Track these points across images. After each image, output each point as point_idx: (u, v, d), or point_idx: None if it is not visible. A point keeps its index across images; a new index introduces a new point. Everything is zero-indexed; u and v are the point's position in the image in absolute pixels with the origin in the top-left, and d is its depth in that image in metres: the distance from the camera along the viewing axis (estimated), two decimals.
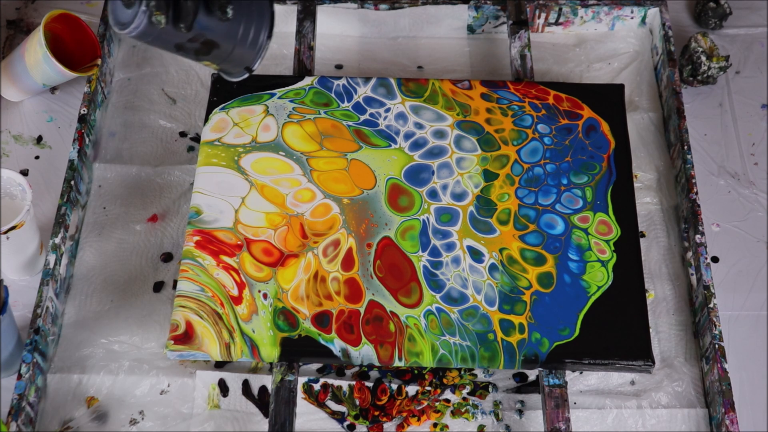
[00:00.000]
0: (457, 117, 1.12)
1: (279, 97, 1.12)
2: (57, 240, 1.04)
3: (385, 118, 1.11)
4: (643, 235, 1.12)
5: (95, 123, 1.17)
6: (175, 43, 0.87)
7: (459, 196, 1.06)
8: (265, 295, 0.99)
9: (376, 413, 1.01)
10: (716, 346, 1.00)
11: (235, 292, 0.99)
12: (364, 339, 0.97)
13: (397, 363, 0.97)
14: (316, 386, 1.02)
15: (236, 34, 0.90)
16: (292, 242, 1.02)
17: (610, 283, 1.01)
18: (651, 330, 1.04)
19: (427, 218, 1.04)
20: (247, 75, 0.95)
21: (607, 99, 1.13)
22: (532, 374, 1.03)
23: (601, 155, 1.09)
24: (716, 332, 1.00)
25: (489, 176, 1.07)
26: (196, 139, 1.19)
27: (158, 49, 0.90)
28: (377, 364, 0.97)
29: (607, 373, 1.03)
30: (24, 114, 1.21)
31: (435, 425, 1.00)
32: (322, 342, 0.97)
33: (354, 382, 1.02)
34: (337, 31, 1.28)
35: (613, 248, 1.03)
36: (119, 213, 1.13)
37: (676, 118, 1.15)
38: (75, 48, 1.19)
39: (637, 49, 1.27)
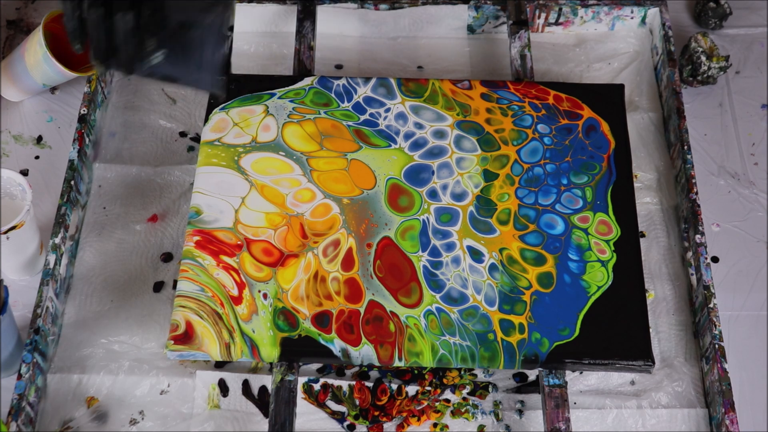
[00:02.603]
0: (457, 117, 1.11)
1: (279, 97, 1.12)
2: (57, 240, 1.04)
3: (385, 118, 1.11)
4: (643, 235, 1.12)
5: (95, 123, 1.17)
6: (143, 76, 0.88)
7: (459, 196, 1.06)
8: (265, 295, 0.99)
9: (376, 413, 1.01)
10: (716, 346, 1.00)
11: (235, 292, 0.99)
12: (364, 339, 0.97)
13: (397, 363, 0.97)
14: (316, 386, 1.02)
15: (185, 66, 0.88)
16: (292, 242, 1.02)
17: (610, 283, 1.01)
18: (651, 330, 1.04)
19: (427, 218, 1.04)
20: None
21: (607, 99, 1.13)
22: (532, 374, 1.03)
23: (601, 155, 1.09)
24: (716, 332, 1.00)
25: (489, 176, 1.07)
26: (196, 139, 1.19)
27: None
28: (377, 364, 0.97)
29: (607, 373, 1.03)
30: (24, 114, 1.21)
31: (435, 425, 1.00)
32: (322, 342, 0.97)
33: (354, 382, 1.02)
34: (337, 31, 1.27)
35: (613, 248, 1.03)
36: (119, 213, 1.13)
37: (676, 118, 1.15)
38: None
39: (637, 49, 1.27)
